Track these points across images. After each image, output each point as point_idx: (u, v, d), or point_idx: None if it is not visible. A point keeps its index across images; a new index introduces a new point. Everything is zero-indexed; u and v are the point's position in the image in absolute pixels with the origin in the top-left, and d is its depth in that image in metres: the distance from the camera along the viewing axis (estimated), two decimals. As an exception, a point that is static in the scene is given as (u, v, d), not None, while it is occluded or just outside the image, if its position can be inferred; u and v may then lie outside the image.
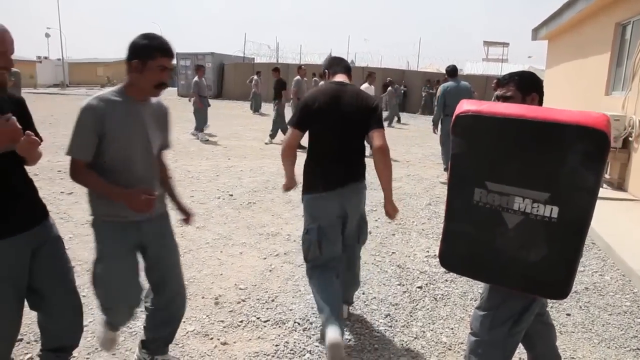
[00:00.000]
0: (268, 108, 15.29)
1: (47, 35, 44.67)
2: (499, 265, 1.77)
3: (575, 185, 1.55)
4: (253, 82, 18.28)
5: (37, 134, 1.99)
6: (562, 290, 1.70)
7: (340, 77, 2.76)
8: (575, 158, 1.52)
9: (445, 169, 7.78)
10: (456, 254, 1.87)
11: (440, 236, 1.90)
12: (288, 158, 2.74)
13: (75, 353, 2.53)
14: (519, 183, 1.63)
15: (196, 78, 11.12)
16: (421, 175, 7.89)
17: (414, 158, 9.72)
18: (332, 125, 2.62)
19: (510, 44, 44.16)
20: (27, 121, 1.99)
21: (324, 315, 2.53)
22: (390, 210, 2.74)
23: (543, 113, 1.57)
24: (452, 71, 7.49)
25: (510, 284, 1.83)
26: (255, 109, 18.56)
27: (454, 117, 1.73)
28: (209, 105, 11.43)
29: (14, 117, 1.78)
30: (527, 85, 1.97)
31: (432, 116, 7.87)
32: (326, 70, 2.84)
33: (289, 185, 2.85)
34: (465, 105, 1.71)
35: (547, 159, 1.57)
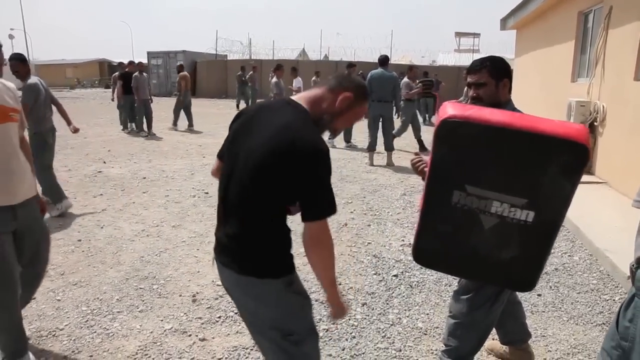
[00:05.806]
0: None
1: (11, 36, 43.32)
2: (471, 262, 1.82)
3: (553, 193, 1.62)
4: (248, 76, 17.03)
5: None
6: (529, 284, 1.80)
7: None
8: (557, 168, 1.58)
9: (370, 149, 8.10)
10: (430, 251, 1.90)
11: (414, 233, 1.93)
12: None
13: (50, 358, 2.52)
14: (499, 188, 1.66)
15: (275, 79, 10.55)
16: (395, 165, 7.98)
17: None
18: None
19: (481, 35, 44.78)
20: None
21: None
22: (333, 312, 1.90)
23: (529, 123, 1.59)
24: (382, 60, 8.12)
25: (480, 278, 1.93)
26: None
27: (439, 121, 1.69)
28: None
29: None
30: (500, 71, 2.03)
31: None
32: None
33: None
34: (451, 110, 1.68)
35: (529, 167, 1.61)
